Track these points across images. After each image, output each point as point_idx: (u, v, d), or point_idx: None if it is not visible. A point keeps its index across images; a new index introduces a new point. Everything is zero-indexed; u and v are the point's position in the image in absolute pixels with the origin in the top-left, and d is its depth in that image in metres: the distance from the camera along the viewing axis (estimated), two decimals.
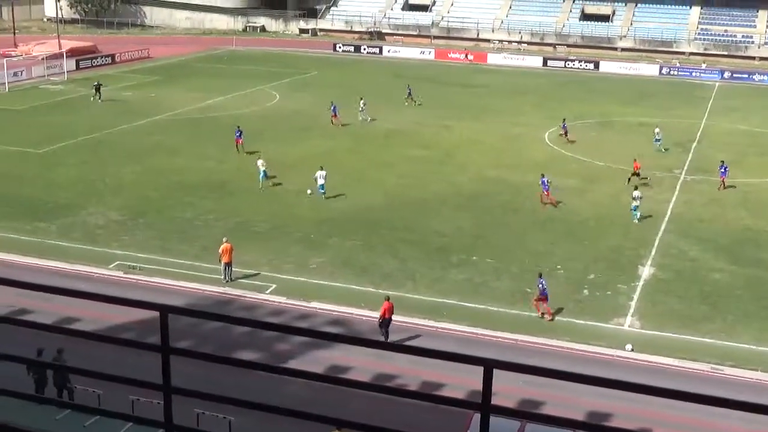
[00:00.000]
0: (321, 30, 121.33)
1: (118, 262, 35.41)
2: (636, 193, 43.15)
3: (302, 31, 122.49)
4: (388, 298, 29.80)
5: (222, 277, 33.88)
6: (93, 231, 39.22)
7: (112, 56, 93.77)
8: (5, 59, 79.68)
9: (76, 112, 65.38)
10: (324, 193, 44.69)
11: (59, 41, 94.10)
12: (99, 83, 71.11)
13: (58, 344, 23.38)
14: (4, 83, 74.97)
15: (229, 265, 33.93)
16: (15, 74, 79.04)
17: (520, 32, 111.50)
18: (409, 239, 38.99)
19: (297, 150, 54.42)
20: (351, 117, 63.87)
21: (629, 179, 47.96)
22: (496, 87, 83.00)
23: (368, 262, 36.25)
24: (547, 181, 44.60)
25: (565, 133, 58.60)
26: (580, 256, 37.58)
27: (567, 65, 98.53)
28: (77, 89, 74.01)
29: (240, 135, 54.14)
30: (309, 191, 45.44)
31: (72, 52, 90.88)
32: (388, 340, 28.52)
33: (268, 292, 33.07)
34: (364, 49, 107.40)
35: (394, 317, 29.39)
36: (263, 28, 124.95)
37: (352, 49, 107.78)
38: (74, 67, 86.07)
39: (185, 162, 51.13)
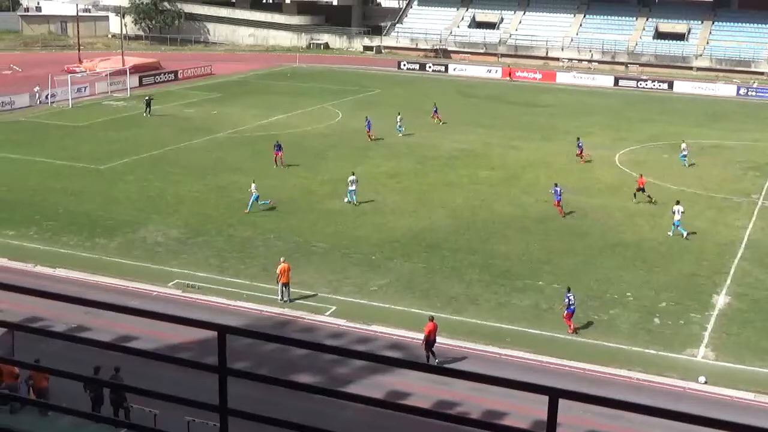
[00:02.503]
0: (385, 47, 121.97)
1: (176, 281, 35.86)
2: (677, 207, 42.88)
3: (366, 48, 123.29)
4: (432, 318, 29.78)
5: (279, 297, 34.09)
6: (152, 248, 39.82)
7: (175, 73, 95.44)
8: (69, 75, 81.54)
9: (137, 129, 66.61)
10: (354, 199, 46.71)
11: (123, 57, 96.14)
12: (150, 97, 72.98)
13: (115, 362, 23.72)
14: (68, 99, 76.77)
15: (286, 285, 34.11)
16: (79, 90, 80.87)
17: (590, 50, 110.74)
18: (473, 262, 38.81)
19: (359, 170, 54.57)
20: (391, 132, 63.93)
21: (635, 195, 48.52)
22: (565, 107, 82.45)
23: (430, 285, 36.15)
24: (560, 191, 45.79)
25: (581, 153, 58.57)
26: (650, 283, 37.00)
27: (639, 85, 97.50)
28: (139, 106, 75.33)
29: (279, 149, 54.94)
30: (346, 199, 47.25)
31: (135, 69, 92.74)
32: (436, 363, 28.62)
33: (327, 314, 33.16)
34: (429, 66, 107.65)
35: (454, 342, 29.19)
36: (327, 45, 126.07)
37: (416, 66, 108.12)
38: (137, 84, 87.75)
39: (246, 180, 51.64)
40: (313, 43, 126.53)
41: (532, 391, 4.33)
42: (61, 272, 36.51)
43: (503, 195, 50.07)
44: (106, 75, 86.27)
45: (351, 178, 47.47)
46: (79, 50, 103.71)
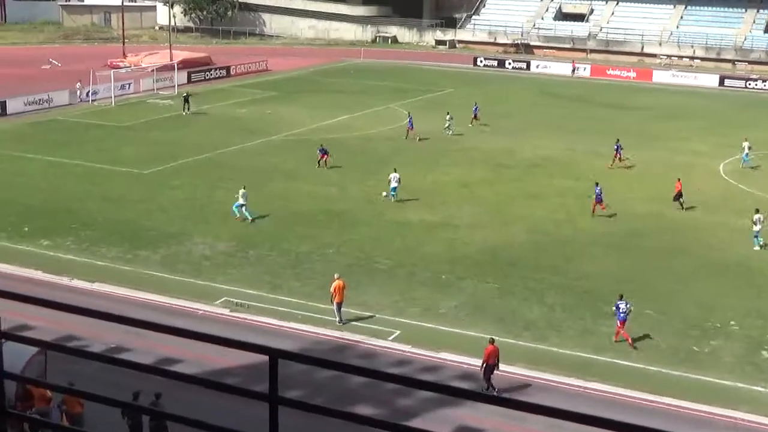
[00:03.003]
0: (460, 42, 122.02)
1: (224, 299, 36.22)
2: (757, 216, 42.47)
3: (439, 42, 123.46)
4: (492, 341, 29.72)
5: (336, 318, 34.26)
6: (198, 262, 40.29)
7: (227, 68, 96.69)
8: (112, 71, 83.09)
9: (184, 130, 67.58)
10: (395, 196, 49.16)
11: (171, 52, 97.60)
12: (188, 94, 74.68)
13: (156, 388, 24.01)
14: (111, 97, 78.25)
15: (339, 305, 34.31)
16: (122, 87, 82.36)
17: (692, 46, 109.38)
18: (554, 283, 38.52)
19: (429, 178, 54.68)
20: (465, 131, 63.78)
21: (680, 203, 49.33)
22: (661, 109, 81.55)
23: (507, 308, 35.96)
24: (601, 191, 47.31)
25: (618, 158, 58.56)
26: (758, 311, 36.32)
27: (748, 85, 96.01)
28: (190, 103, 76.36)
29: (325, 153, 56.09)
30: (383, 194, 49.73)
31: (184, 64, 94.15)
32: (495, 391, 28.55)
33: (390, 338, 33.19)
34: (509, 63, 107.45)
35: (533, 372, 28.98)
36: (395, 39, 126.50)
37: (495, 63, 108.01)
38: (185, 80, 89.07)
39: (303, 188, 52.04)
40: (380, 37, 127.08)
41: (615, 429, 4.29)
42: (99, 287, 37.11)
43: (588, 208, 49.62)
44: (152, 71, 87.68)
45: (393, 174, 49.72)
46: (123, 43, 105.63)
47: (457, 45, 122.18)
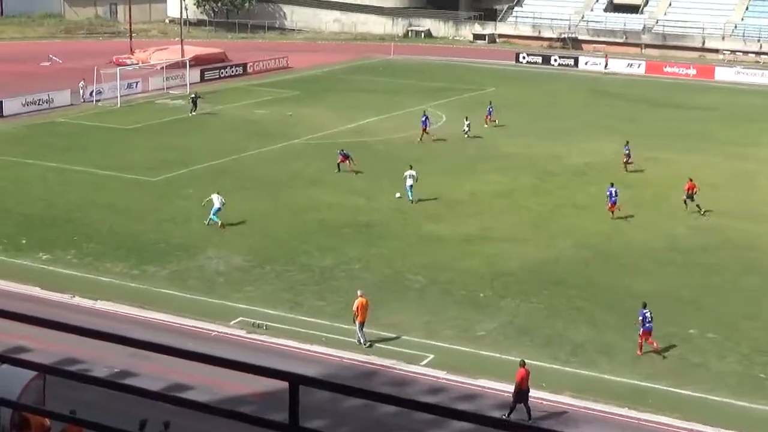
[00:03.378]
0: (501, 36, 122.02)
1: (240, 319, 36.29)
2: None
3: (477, 37, 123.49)
4: (523, 364, 29.72)
5: (359, 340, 34.25)
6: (212, 279, 40.42)
7: (244, 66, 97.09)
8: (118, 68, 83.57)
9: (197, 133, 67.89)
10: (411, 196, 50.67)
11: (182, 47, 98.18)
12: (197, 95, 75.14)
13: (164, 416, 24.07)
14: (116, 97, 78.72)
15: (362, 325, 34.27)
16: (129, 86, 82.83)
17: (758, 40, 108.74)
18: (605, 302, 38.33)
19: (466, 186, 54.61)
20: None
21: (685, 203, 50.39)
22: (725, 110, 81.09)
23: (552, 330, 35.82)
24: (615, 192, 48.99)
25: (628, 160, 59.03)
26: None
27: None
28: (201, 105, 76.69)
29: (346, 156, 56.73)
30: (397, 194, 51.36)
31: (197, 61, 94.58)
32: (531, 419, 28.55)
33: (423, 363, 33.12)
34: (555, 60, 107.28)
35: (580, 402, 28.82)
36: (428, 33, 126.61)
37: (539, 59, 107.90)
38: (198, 79, 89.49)
39: (327, 197, 52.11)
40: (412, 31, 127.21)
41: None
42: (103, 305, 37.30)
43: (644, 219, 49.38)
44: (162, 68, 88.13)
45: (408, 172, 51.22)
46: (131, 38, 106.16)
47: (497, 40, 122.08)
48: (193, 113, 73.28)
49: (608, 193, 49.27)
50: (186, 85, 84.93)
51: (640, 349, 33.79)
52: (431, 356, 33.53)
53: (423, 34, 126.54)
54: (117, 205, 50.24)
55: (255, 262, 42.32)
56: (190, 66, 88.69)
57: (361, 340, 34.17)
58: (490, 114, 72.16)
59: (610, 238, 46.45)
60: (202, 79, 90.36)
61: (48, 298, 37.72)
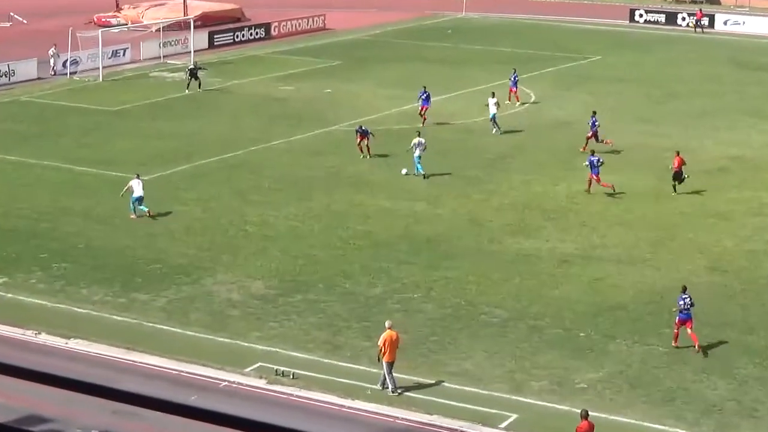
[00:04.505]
0: None
1: (259, 365, 36.28)
2: None
3: None
4: (586, 416, 29.91)
5: (387, 385, 34.35)
6: (222, 311, 40.46)
7: (267, 27, 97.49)
8: (100, 31, 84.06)
9: (204, 117, 68.24)
10: (421, 170, 54.65)
11: (185, 2, 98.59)
12: (198, 65, 76.01)
13: None
14: (97, 68, 79.42)
15: (390, 366, 34.33)
16: (115, 54, 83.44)
17: None
18: (748, 347, 37.98)
19: (561, 189, 54.38)
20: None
21: (674, 187, 54.02)
22: None
23: (676, 383, 35.55)
24: (598, 162, 52.97)
25: (594, 136, 61.68)
26: None
27: None
28: (209, 80, 77.08)
29: (365, 134, 58.76)
30: (404, 171, 54.96)
31: (204, 20, 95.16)
32: None
33: (504, 425, 33.01)
34: (683, 18, 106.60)
35: None
36: None
37: (661, 18, 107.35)
38: (206, 45, 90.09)
39: (376, 202, 52.10)
40: None
41: None
42: (77, 345, 37.42)
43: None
44: (158, 30, 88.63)
45: (416, 140, 55.31)
46: None
47: None
48: (189, 91, 73.51)
49: (588, 162, 52.89)
50: (190, 52, 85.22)
51: (675, 339, 37.25)
52: (515, 416, 33.41)
53: None
54: (97, 212, 50.53)
55: (280, 290, 42.36)
56: (195, 27, 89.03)
57: (389, 386, 34.22)
58: (515, 86, 72.24)
59: (757, 260, 45.97)
60: (212, 44, 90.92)
61: (5, 335, 37.90)
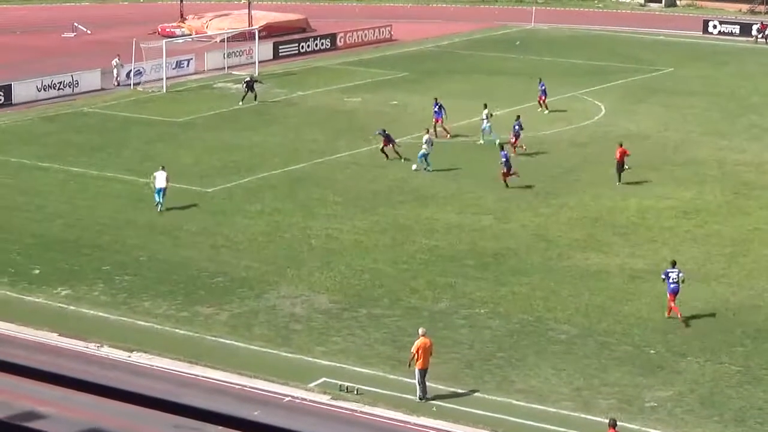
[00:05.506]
0: None
1: (323, 380, 36.30)
2: None
3: None
4: (614, 424, 29.71)
5: (419, 394, 34.44)
6: (286, 326, 40.50)
7: (332, 37, 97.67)
8: (165, 41, 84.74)
9: (268, 128, 68.46)
10: (428, 165, 58.19)
11: (249, 12, 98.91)
12: (253, 78, 76.18)
13: None
14: (161, 79, 79.93)
15: (423, 373, 34.40)
16: (178, 65, 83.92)
17: None
18: None
19: (632, 203, 54.10)
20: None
21: (619, 176, 57.27)
22: None
23: (749, 402, 35.20)
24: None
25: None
26: None
27: None
28: (273, 91, 77.36)
29: (390, 138, 60.75)
30: (414, 166, 58.13)
31: (269, 31, 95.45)
32: None
33: None
34: (759, 31, 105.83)
35: None
36: None
37: (735, 29, 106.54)
38: (271, 55, 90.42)
39: (442, 216, 52.03)
40: None
41: None
42: (140, 359, 37.65)
43: None
44: (223, 41, 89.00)
45: (426, 137, 59.30)
46: (181, 0, 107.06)
47: (677, 3, 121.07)
48: (243, 103, 73.87)
49: (501, 156, 56.31)
50: (254, 63, 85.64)
51: (669, 311, 40.71)
52: None
53: None
54: (160, 224, 50.84)
55: (345, 304, 42.39)
56: (260, 38, 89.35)
57: (418, 392, 34.37)
58: (544, 94, 73.40)
59: None
60: (276, 55, 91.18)
61: (68, 348, 38.22)
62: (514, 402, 34.54)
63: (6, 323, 40.00)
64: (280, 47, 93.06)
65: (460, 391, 35.42)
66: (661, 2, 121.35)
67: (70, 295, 42.80)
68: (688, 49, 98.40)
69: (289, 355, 38.10)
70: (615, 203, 53.86)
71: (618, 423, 33.88)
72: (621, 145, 57.92)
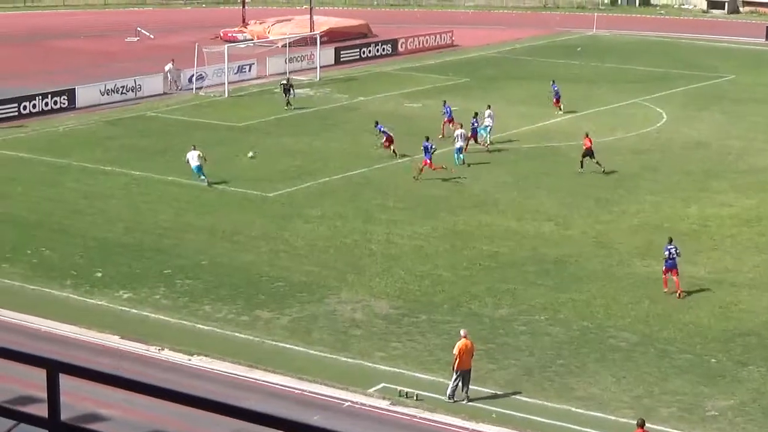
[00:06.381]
0: (747, 3, 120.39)
1: (382, 385, 36.28)
2: None
3: (712, 5, 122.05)
4: (642, 424, 29.68)
5: (449, 393, 34.53)
6: (345, 330, 40.53)
7: (394, 43, 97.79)
8: (226, 46, 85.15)
9: (330, 133, 68.63)
10: (461, 158, 60.43)
11: (311, 18, 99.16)
12: (289, 82, 76.47)
13: None
14: (223, 84, 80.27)
15: (466, 375, 34.36)
16: (240, 70, 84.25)
17: None
18: None
19: (693, 210, 53.81)
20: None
21: (581, 162, 59.66)
22: None
23: None
24: (431, 147, 58.28)
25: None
26: None
27: None
28: (335, 96, 77.50)
29: (385, 133, 62.17)
30: (456, 163, 59.65)
31: (330, 36, 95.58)
32: None
33: None
34: None
35: None
36: (645, 0, 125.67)
37: None
38: (332, 61, 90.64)
39: (503, 222, 51.95)
40: None
41: None
42: (200, 362, 37.82)
43: None
44: (284, 46, 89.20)
45: (458, 131, 60.72)
46: (243, 5, 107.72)
47: (741, 9, 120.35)
48: (290, 106, 74.43)
49: (423, 147, 58.22)
50: (316, 68, 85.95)
51: (665, 284, 43.37)
52: None
53: (638, 1, 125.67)
54: (221, 228, 51.04)
55: (405, 310, 42.36)
56: (321, 43, 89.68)
57: (448, 390, 34.64)
58: (558, 96, 74.36)
59: None
60: (338, 60, 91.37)
61: (129, 351, 38.48)
62: (574, 409, 34.43)
63: (69, 325, 40.28)
64: (342, 52, 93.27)
65: (519, 397, 35.33)
66: (724, 9, 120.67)
67: (132, 298, 43.06)
68: (750, 56, 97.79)
69: (349, 360, 38.12)
70: (676, 211, 53.60)
71: (675, 431, 33.82)
72: (587, 136, 60.34)
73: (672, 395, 35.92)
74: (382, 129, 62.90)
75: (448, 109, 69.02)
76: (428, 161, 57.55)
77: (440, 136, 66.40)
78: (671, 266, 43.12)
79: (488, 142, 63.78)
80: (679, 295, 42.74)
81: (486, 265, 46.83)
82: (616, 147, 65.42)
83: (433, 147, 58.20)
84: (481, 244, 49.28)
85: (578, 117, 73.08)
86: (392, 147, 62.13)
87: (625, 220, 51.65)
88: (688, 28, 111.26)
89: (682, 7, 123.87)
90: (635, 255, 48.12)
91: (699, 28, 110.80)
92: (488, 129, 65.62)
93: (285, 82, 76.47)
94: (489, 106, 67.99)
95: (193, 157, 55.83)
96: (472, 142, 63.35)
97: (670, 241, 43.79)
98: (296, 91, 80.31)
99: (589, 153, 59.53)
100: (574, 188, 56.36)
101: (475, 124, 64.24)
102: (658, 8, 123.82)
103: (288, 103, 74.92)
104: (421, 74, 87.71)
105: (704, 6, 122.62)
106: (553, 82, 75.70)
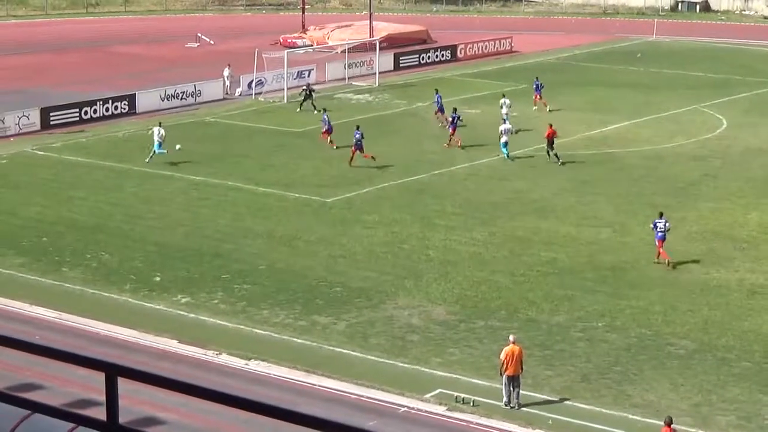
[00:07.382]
0: None
1: (438, 391, 36.27)
2: None
3: None
4: (669, 422, 29.63)
5: (505, 400, 34.52)
6: (402, 336, 40.54)
7: (453, 49, 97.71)
8: (286, 51, 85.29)
9: (388, 138, 68.56)
10: (506, 152, 62.93)
11: (371, 24, 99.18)
12: (310, 88, 76.82)
13: None
14: (282, 89, 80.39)
15: (514, 380, 34.32)
16: (300, 75, 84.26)
17: None
18: None
19: (753, 217, 53.48)
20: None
21: (548, 153, 62.63)
22: None
23: None
24: (361, 135, 61.03)
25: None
26: None
27: None
28: (394, 102, 77.53)
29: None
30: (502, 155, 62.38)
31: (390, 42, 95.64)
32: None
33: None
34: None
35: None
36: (706, 6, 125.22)
37: None
38: (391, 66, 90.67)
39: (560, 228, 51.81)
40: (683, 3, 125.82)
41: None
42: (257, 367, 37.96)
43: None
44: (344, 51, 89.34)
45: (503, 126, 63.38)
46: (303, 11, 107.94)
47: None
48: (317, 111, 73.25)
49: (355, 136, 61.26)
50: (375, 74, 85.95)
51: (658, 256, 46.81)
52: None
53: (698, 7, 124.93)
54: (279, 234, 51.19)
55: (462, 315, 42.34)
56: (380, 49, 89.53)
57: (504, 398, 34.61)
58: (539, 92, 76.73)
59: None
60: (397, 66, 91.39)
61: (187, 355, 38.71)
62: (631, 416, 34.30)
63: (128, 329, 40.58)
64: (401, 58, 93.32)
65: (576, 404, 35.26)
66: None
67: (190, 303, 43.27)
68: None
69: (406, 365, 38.14)
70: (735, 218, 53.28)
71: None
72: (551, 126, 62.92)
73: (730, 403, 35.70)
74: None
75: (438, 98, 71.31)
76: (355, 149, 61.23)
77: (440, 125, 70.24)
78: (662, 238, 46.59)
79: (509, 133, 64.70)
80: (670, 265, 46.57)
81: (543, 271, 46.73)
82: (676, 153, 65.11)
83: (361, 134, 61.45)
84: (538, 250, 49.19)
85: (638, 123, 72.77)
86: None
87: (684, 226, 51.36)
88: (749, 34, 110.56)
89: (743, 13, 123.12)
90: (694, 261, 47.89)
91: (760, 34, 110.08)
92: (506, 119, 67.46)
93: (305, 87, 76.96)
94: (504, 95, 71.19)
95: (156, 133, 60.73)
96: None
97: (661, 215, 47.26)
98: (357, 96, 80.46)
99: (549, 143, 62.41)
100: (632, 195, 56.16)
101: (456, 119, 66.71)
102: (718, 14, 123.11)
103: (308, 104, 75.49)
104: (480, 80, 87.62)
105: (766, 12, 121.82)
106: (537, 78, 78.28)
